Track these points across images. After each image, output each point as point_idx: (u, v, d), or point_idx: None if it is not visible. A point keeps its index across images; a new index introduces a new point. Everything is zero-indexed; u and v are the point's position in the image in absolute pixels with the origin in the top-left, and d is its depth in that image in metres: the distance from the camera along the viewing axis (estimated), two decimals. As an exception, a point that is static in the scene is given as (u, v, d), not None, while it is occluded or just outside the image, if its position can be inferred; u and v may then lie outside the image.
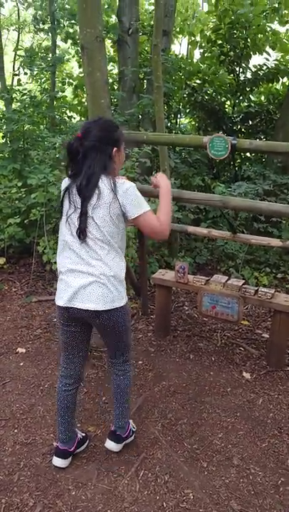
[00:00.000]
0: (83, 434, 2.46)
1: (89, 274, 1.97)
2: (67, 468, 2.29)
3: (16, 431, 2.55)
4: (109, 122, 2.10)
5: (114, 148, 2.02)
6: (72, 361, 2.22)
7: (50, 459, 2.33)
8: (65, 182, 2.06)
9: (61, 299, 2.04)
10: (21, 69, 6.56)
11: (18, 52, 7.58)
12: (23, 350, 3.40)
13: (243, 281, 3.30)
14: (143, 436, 2.55)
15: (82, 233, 1.95)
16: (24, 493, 2.14)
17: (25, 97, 5.45)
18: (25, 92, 5.64)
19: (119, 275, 2.04)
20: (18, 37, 9.24)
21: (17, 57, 8.08)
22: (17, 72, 6.86)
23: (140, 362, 3.30)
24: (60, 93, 6.78)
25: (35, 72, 6.58)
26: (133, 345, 3.52)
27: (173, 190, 3.12)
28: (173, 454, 2.43)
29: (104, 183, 1.94)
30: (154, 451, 2.45)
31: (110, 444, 2.39)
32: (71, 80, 7.60)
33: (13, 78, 7.67)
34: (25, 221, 4.48)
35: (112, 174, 2.00)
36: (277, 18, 6.92)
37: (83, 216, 1.94)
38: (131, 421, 2.52)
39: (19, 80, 6.52)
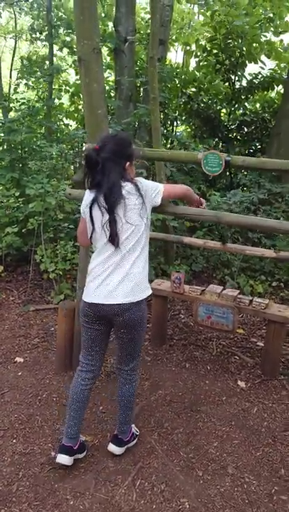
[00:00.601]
0: (83, 439, 2.53)
1: (123, 277, 2.14)
2: (65, 478, 2.33)
3: (14, 441, 2.59)
4: (125, 138, 2.29)
5: (128, 163, 2.20)
6: (93, 357, 2.34)
7: (48, 469, 2.37)
8: (89, 194, 2.19)
9: (94, 297, 2.18)
10: (19, 78, 6.60)
11: (16, 61, 7.64)
12: (21, 360, 3.44)
13: (238, 291, 3.36)
14: (139, 445, 2.59)
15: (115, 239, 2.11)
16: (23, 503, 2.18)
17: (23, 106, 5.50)
18: (23, 101, 5.70)
19: (146, 270, 2.24)
20: (15, 45, 9.30)
21: (14, 65, 8.15)
22: (15, 82, 6.91)
23: (137, 371, 3.35)
24: (56, 101, 6.84)
25: (31, 82, 6.64)
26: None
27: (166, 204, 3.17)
28: (169, 463, 2.48)
29: (126, 187, 2.12)
30: (151, 460, 2.49)
31: (112, 448, 2.46)
32: (68, 88, 7.67)
33: (9, 86, 7.73)
34: (23, 230, 4.53)
35: (128, 180, 2.18)
36: (272, 29, 7.02)
37: (113, 222, 2.09)
38: (133, 425, 2.60)
39: (16, 88, 6.59)
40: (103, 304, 2.16)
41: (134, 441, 2.56)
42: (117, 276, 2.15)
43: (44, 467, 2.40)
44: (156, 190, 2.24)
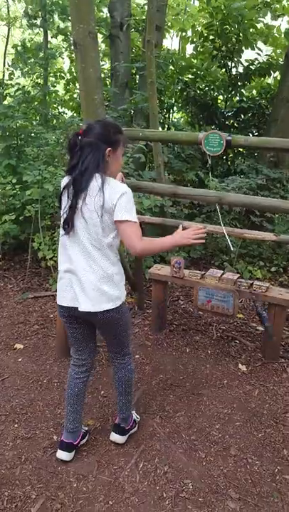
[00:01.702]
0: (85, 429, 2.50)
1: (84, 273, 2.00)
2: (68, 461, 2.32)
3: (16, 425, 2.58)
4: (112, 124, 2.12)
5: (109, 148, 2.02)
6: (82, 352, 2.30)
7: (51, 453, 2.37)
8: (65, 179, 2.07)
9: (63, 299, 2.11)
10: (13, 64, 6.52)
11: (10, 48, 7.53)
12: (21, 346, 3.42)
13: (238, 274, 3.34)
14: (142, 428, 2.59)
15: (68, 225, 1.98)
16: (26, 486, 2.17)
17: (18, 92, 5.43)
18: (18, 87, 5.62)
19: (114, 275, 2.05)
20: (9, 32, 9.17)
21: (8, 52, 8.03)
22: (8, 68, 6.82)
23: (137, 356, 3.34)
24: (51, 88, 6.76)
25: (26, 69, 6.56)
26: (132, 338, 3.56)
27: (169, 185, 3.15)
28: (171, 446, 2.47)
29: (96, 180, 1.95)
30: (153, 443, 2.49)
31: (115, 437, 2.44)
32: (63, 74, 7.58)
33: (3, 74, 7.63)
34: (20, 218, 4.49)
35: (107, 174, 2.01)
36: (269, 13, 6.95)
37: (71, 208, 1.96)
38: (134, 411, 2.58)
39: (10, 74, 6.50)
40: (71, 307, 2.09)
41: (136, 428, 2.54)
42: (78, 278, 2.01)
43: (46, 451, 2.40)
44: (126, 209, 1.93)
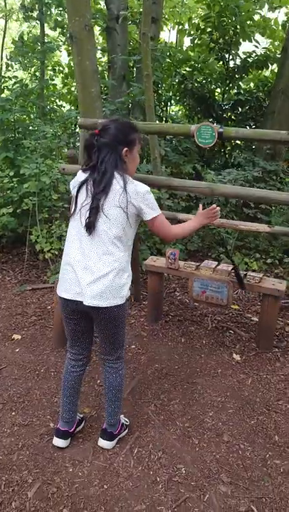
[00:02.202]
0: (81, 416, 2.55)
1: (96, 269, 2.03)
2: (64, 447, 2.38)
3: (13, 413, 2.63)
4: (127, 124, 2.21)
5: (125, 149, 2.11)
6: (79, 346, 2.31)
7: (47, 439, 2.42)
8: (80, 175, 2.13)
9: (67, 292, 2.11)
10: (11, 58, 6.52)
11: (6, 42, 7.52)
12: (19, 337, 3.47)
13: (233, 266, 3.38)
14: (137, 416, 2.65)
15: (91, 226, 2.02)
16: (23, 471, 2.23)
17: (16, 85, 5.44)
18: (16, 80, 5.63)
19: (125, 273, 2.11)
20: (6, 25, 9.15)
21: (5, 45, 8.02)
22: (6, 61, 6.82)
23: (133, 346, 3.39)
24: (50, 81, 6.77)
25: (24, 62, 6.56)
26: (128, 329, 3.61)
27: (162, 177, 3.19)
28: (166, 433, 2.53)
29: (116, 179, 2.03)
30: (148, 430, 2.55)
31: (103, 443, 2.40)
32: (61, 68, 7.58)
33: (1, 67, 7.63)
34: (18, 211, 4.53)
35: (126, 173, 2.09)
36: (266, 4, 6.94)
37: (94, 209, 2.01)
38: (122, 416, 2.55)
39: (8, 66, 6.50)
40: (75, 300, 2.10)
41: (125, 432, 2.49)
42: (90, 273, 2.04)
43: (43, 437, 2.45)
44: (151, 207, 2.09)
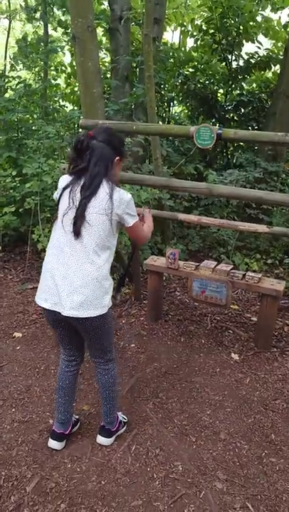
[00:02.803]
0: (76, 417, 2.56)
1: (76, 277, 1.98)
2: (59, 449, 2.39)
3: (13, 410, 2.67)
4: (120, 136, 2.25)
5: (118, 157, 2.12)
6: (70, 348, 2.32)
7: (46, 436, 2.45)
8: (66, 179, 2.08)
9: (45, 302, 2.06)
10: (15, 58, 6.56)
11: (10, 42, 7.56)
12: (20, 335, 3.51)
13: (232, 266, 3.41)
14: (135, 414, 2.68)
15: (76, 231, 1.96)
16: (22, 466, 2.26)
17: (19, 85, 5.48)
18: (19, 80, 5.68)
19: (106, 282, 2.05)
20: (10, 25, 9.19)
21: (9, 45, 8.06)
22: (10, 61, 6.87)
23: (133, 345, 3.42)
24: (53, 81, 6.80)
25: (28, 62, 6.60)
26: (128, 328, 3.64)
27: (162, 178, 3.22)
28: (163, 430, 2.56)
29: (103, 186, 2.00)
30: (146, 427, 2.58)
31: (101, 440, 2.43)
32: (63, 68, 7.62)
33: (5, 66, 7.68)
34: (20, 210, 4.57)
35: (111, 181, 2.06)
36: (269, 5, 6.95)
37: (80, 214, 1.96)
38: (120, 413, 2.56)
39: (12, 66, 6.54)
40: (54, 311, 2.05)
41: (123, 429, 2.52)
42: (69, 282, 1.98)
43: (42, 434, 2.48)
44: (132, 216, 2.08)
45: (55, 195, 2.12)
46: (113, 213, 2.00)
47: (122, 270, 4.07)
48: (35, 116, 6.30)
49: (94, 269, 2.00)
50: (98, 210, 1.97)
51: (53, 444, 2.38)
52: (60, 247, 2.03)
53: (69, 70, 7.88)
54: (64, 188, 2.05)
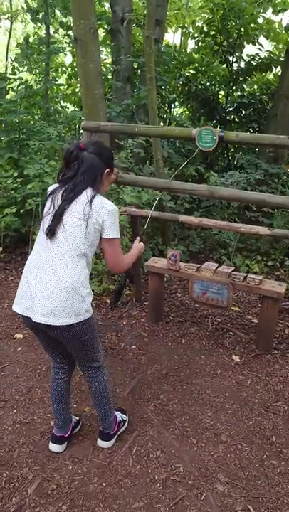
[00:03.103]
0: (77, 418, 2.56)
1: (49, 283, 1.93)
2: (60, 452, 2.39)
3: (15, 411, 2.67)
4: (108, 148, 2.28)
5: (107, 169, 2.15)
6: (56, 355, 2.26)
7: (47, 437, 2.45)
8: (53, 186, 2.11)
9: (19, 306, 2.02)
10: (17, 59, 6.57)
11: (12, 41, 7.56)
12: (21, 336, 3.51)
13: (233, 268, 3.42)
14: (136, 415, 2.68)
15: (50, 232, 1.94)
16: (24, 467, 2.27)
17: (21, 87, 5.49)
18: (21, 82, 5.69)
19: (83, 289, 1.99)
20: (11, 26, 9.21)
21: (11, 47, 8.07)
22: (12, 63, 6.88)
23: (134, 346, 3.43)
24: (54, 82, 6.81)
25: (29, 64, 6.61)
26: (129, 330, 3.65)
27: (164, 180, 3.22)
28: (164, 432, 2.56)
29: (86, 192, 2.00)
30: (147, 429, 2.58)
31: (101, 443, 2.42)
32: (64, 69, 7.63)
33: (6, 67, 7.68)
34: (21, 211, 4.57)
35: (98, 191, 2.06)
36: (270, 7, 6.96)
37: (56, 216, 1.95)
38: (118, 412, 2.56)
39: (14, 69, 6.55)
40: (26, 316, 1.99)
41: (124, 427, 2.51)
42: (42, 288, 1.94)
43: (44, 435, 2.49)
44: (113, 228, 2.03)
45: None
46: (92, 218, 1.96)
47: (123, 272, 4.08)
48: (36, 117, 6.30)
49: (69, 276, 1.94)
50: (76, 214, 1.96)
51: (53, 447, 2.38)
52: (38, 251, 2.02)
53: (69, 70, 7.89)
54: (48, 195, 2.07)
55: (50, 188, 2.11)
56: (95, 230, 2.00)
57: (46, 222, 1.99)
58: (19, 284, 2.08)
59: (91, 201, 1.98)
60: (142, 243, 2.53)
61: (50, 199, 2.04)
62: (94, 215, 1.97)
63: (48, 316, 1.92)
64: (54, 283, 1.93)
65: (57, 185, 2.09)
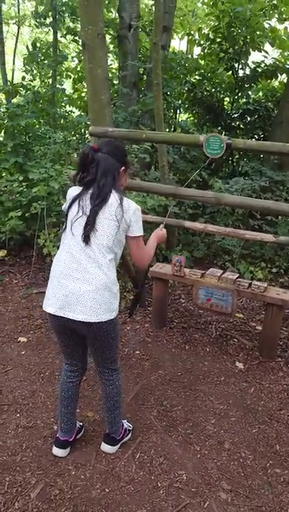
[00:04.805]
0: (80, 424, 2.56)
1: (85, 282, 2.01)
2: (63, 456, 2.39)
3: (18, 415, 2.67)
4: (121, 145, 2.31)
5: (123, 167, 2.18)
6: (73, 358, 2.30)
7: (50, 442, 2.45)
8: (75, 190, 2.13)
9: (51, 306, 2.07)
10: (25, 65, 6.62)
11: (18, 47, 7.61)
12: (25, 340, 3.52)
13: (238, 274, 3.42)
14: (139, 421, 2.67)
15: (86, 238, 2.01)
16: (27, 472, 2.26)
17: (28, 92, 5.53)
18: (28, 86, 5.72)
19: (114, 286, 2.09)
20: (18, 31, 9.26)
21: (18, 52, 8.12)
22: (20, 69, 6.93)
23: (137, 352, 3.42)
24: (59, 86, 6.84)
25: (36, 70, 6.66)
26: (133, 335, 3.64)
27: (170, 186, 3.23)
28: (168, 438, 2.55)
29: (113, 194, 2.07)
30: (150, 435, 2.57)
31: (106, 447, 2.43)
32: (70, 74, 7.67)
33: (13, 73, 7.74)
34: (27, 214, 4.58)
35: (119, 190, 2.13)
36: (276, 16, 6.99)
37: (90, 222, 2.01)
38: (125, 421, 2.57)
39: (23, 78, 6.59)
40: (62, 317, 2.05)
41: (128, 437, 2.52)
42: (78, 287, 2.01)
43: (47, 440, 2.48)
44: (138, 226, 2.13)
45: (64, 206, 2.16)
46: (123, 219, 2.06)
47: (127, 277, 4.08)
48: (42, 121, 6.33)
49: (104, 274, 2.03)
50: (108, 216, 2.03)
51: (57, 451, 2.38)
52: (70, 253, 2.06)
53: (75, 75, 7.92)
54: (74, 199, 2.09)
55: (73, 192, 2.13)
56: (123, 230, 2.10)
57: (77, 226, 2.04)
58: (49, 285, 2.12)
59: (121, 203, 2.05)
60: (163, 230, 2.52)
61: (77, 203, 2.07)
62: (124, 216, 2.06)
63: (86, 314, 2.01)
64: (91, 282, 2.01)
65: (78, 188, 2.12)
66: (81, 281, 2.02)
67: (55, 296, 2.06)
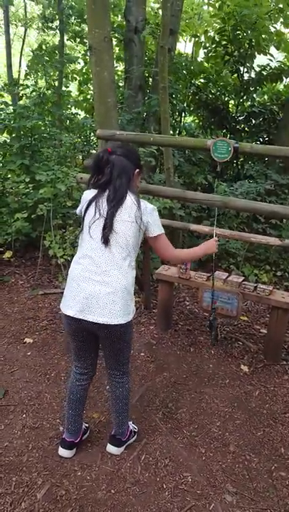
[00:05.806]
0: (86, 425, 2.57)
1: (105, 285, 2.03)
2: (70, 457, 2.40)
3: (24, 416, 2.68)
4: (134, 149, 2.36)
5: (137, 170, 2.21)
6: (84, 361, 2.31)
7: (57, 442, 2.47)
8: (90, 193, 2.15)
9: (70, 309, 2.08)
10: (30, 66, 6.66)
11: (25, 49, 7.66)
12: (31, 341, 3.53)
13: (243, 277, 3.43)
14: (144, 423, 2.69)
15: (105, 239, 2.03)
16: (33, 472, 2.28)
17: (34, 93, 5.56)
18: (34, 88, 5.75)
19: (132, 289, 2.13)
20: (25, 33, 9.32)
21: (25, 54, 8.17)
22: (25, 70, 6.97)
23: (142, 354, 3.44)
24: (65, 88, 6.88)
25: (41, 72, 6.69)
26: (138, 337, 3.66)
27: (177, 189, 3.25)
28: (173, 441, 2.57)
29: (130, 196, 2.09)
30: (155, 437, 2.58)
31: (111, 449, 2.44)
32: (76, 76, 7.71)
33: (19, 74, 7.78)
34: (33, 216, 4.61)
35: (134, 192, 2.15)
36: (281, 19, 7.01)
37: (108, 224, 2.03)
38: (131, 422, 2.58)
39: (27, 75, 6.63)
40: (80, 319, 2.06)
41: (134, 439, 2.53)
42: (98, 289, 2.03)
43: (53, 440, 2.50)
44: (157, 225, 2.16)
45: (79, 209, 2.18)
46: (142, 221, 2.08)
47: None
48: (48, 123, 6.36)
49: (122, 276, 2.06)
50: (127, 217, 2.05)
51: (63, 452, 2.39)
52: (88, 256, 2.08)
53: (80, 77, 7.96)
54: (90, 201, 2.11)
55: (89, 195, 2.15)
56: (140, 232, 2.13)
57: (95, 228, 2.06)
58: (67, 287, 2.14)
59: (139, 205, 2.07)
60: (213, 240, 2.45)
61: (93, 205, 2.09)
62: (143, 217, 2.09)
63: (106, 317, 2.03)
64: (111, 285, 2.04)
65: (93, 191, 2.15)
66: (101, 284, 2.04)
67: (75, 299, 2.07)
